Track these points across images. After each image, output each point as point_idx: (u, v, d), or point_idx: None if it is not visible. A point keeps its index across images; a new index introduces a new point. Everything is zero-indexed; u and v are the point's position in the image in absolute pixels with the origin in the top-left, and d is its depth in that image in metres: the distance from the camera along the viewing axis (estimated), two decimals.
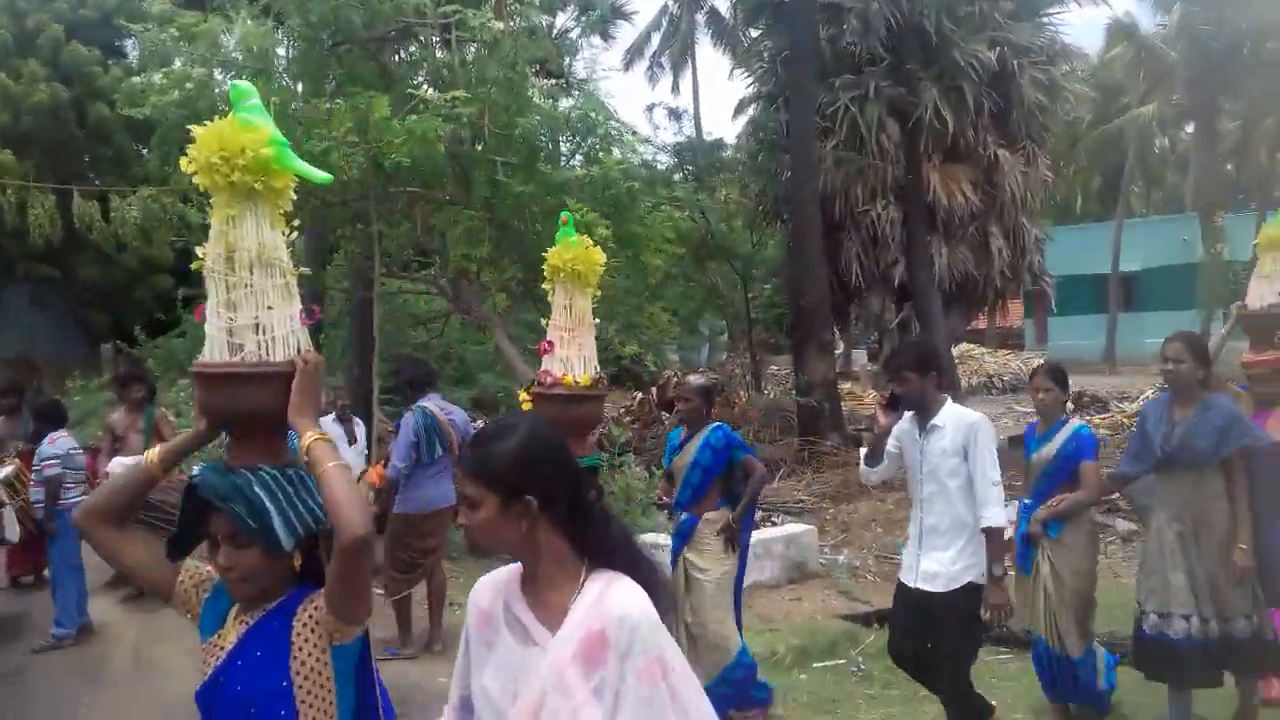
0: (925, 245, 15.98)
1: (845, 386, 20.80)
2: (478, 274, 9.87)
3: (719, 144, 17.94)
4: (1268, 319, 5.13)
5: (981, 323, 33.72)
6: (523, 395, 3.86)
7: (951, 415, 4.31)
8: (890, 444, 4.50)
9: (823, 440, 12.98)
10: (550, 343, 3.77)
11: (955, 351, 25.95)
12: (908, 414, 4.40)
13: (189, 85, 8.82)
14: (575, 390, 3.64)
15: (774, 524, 9.75)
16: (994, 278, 16.96)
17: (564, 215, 4.00)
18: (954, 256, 16.42)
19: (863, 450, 4.69)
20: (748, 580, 5.66)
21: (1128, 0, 77.25)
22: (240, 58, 9.43)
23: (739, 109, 21.43)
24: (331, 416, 8.14)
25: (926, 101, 15.61)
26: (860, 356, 28.13)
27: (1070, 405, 5.64)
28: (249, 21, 9.31)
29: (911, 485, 4.50)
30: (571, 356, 3.70)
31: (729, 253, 15.62)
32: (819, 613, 7.23)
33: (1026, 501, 5.03)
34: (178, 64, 9.56)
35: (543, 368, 3.74)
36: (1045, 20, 17.51)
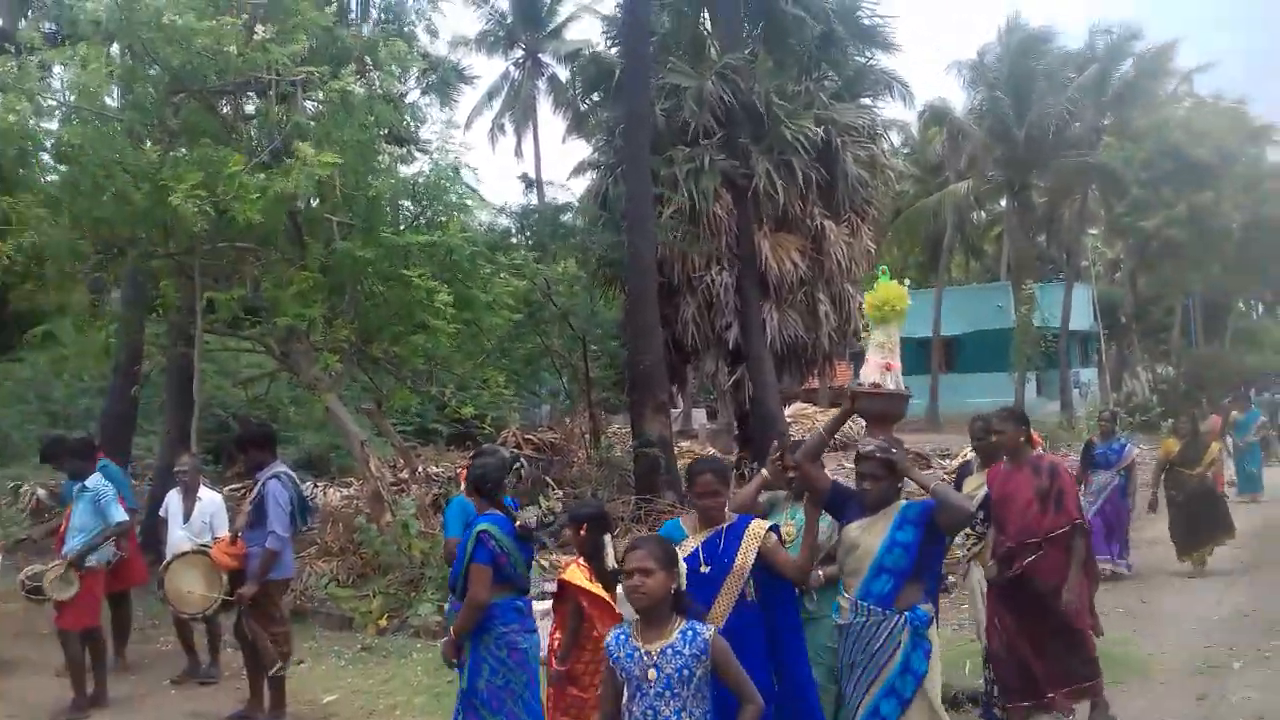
0: (757, 309, 16.61)
1: (685, 445, 21.26)
2: (308, 334, 9.73)
3: (563, 208, 18.23)
4: None
5: (814, 383, 35.02)
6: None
7: None
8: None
9: (659, 498, 13.22)
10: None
11: (789, 411, 26.93)
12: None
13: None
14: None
15: None
16: (822, 341, 17.71)
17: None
18: (784, 320, 17.07)
19: None
20: None
21: (944, 81, 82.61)
22: (72, 98, 9.11)
23: (577, 170, 21.90)
24: (176, 490, 7.64)
25: (759, 173, 16.35)
26: (700, 415, 28.77)
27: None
28: (85, 65, 8.96)
29: None
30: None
31: (568, 314, 15.85)
32: None
33: None
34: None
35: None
36: (866, 102, 18.65)
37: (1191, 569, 10.59)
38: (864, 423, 4.60)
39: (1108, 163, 28.57)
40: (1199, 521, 10.68)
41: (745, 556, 4.36)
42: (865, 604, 4.19)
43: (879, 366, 4.40)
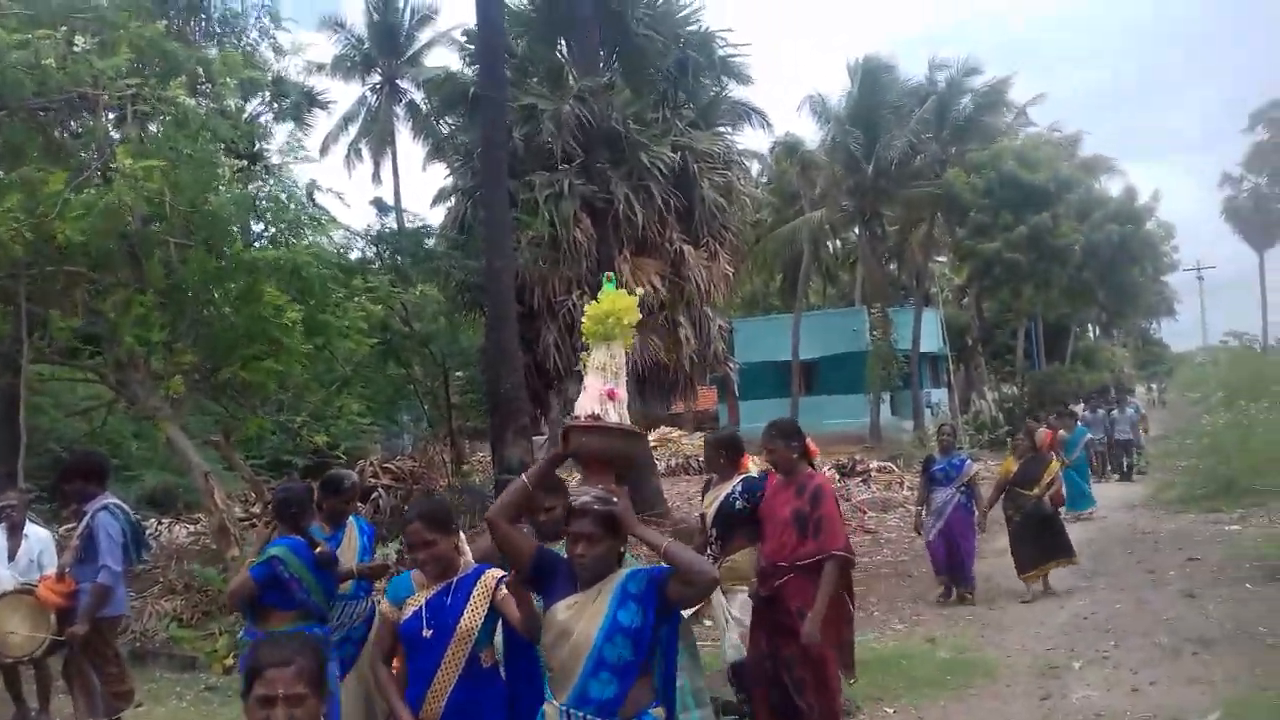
0: None
1: None
2: (147, 360, 9.25)
3: (424, 231, 17.93)
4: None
5: (680, 407, 35.40)
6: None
7: None
8: None
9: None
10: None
11: (654, 435, 27.14)
12: None
13: None
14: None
15: None
16: (684, 364, 17.91)
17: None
18: (645, 343, 17.16)
19: None
20: None
21: (796, 116, 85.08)
22: None
23: (439, 198, 21.67)
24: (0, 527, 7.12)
25: (618, 197, 16.48)
26: None
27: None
28: None
29: None
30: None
31: (428, 341, 15.59)
32: None
33: None
34: None
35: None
36: (722, 131, 19.07)
37: (1030, 589, 10.40)
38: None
39: (950, 190, 29.98)
40: (1037, 543, 10.49)
41: (473, 615, 3.70)
42: (580, 713, 3.19)
43: (599, 394, 3.69)
